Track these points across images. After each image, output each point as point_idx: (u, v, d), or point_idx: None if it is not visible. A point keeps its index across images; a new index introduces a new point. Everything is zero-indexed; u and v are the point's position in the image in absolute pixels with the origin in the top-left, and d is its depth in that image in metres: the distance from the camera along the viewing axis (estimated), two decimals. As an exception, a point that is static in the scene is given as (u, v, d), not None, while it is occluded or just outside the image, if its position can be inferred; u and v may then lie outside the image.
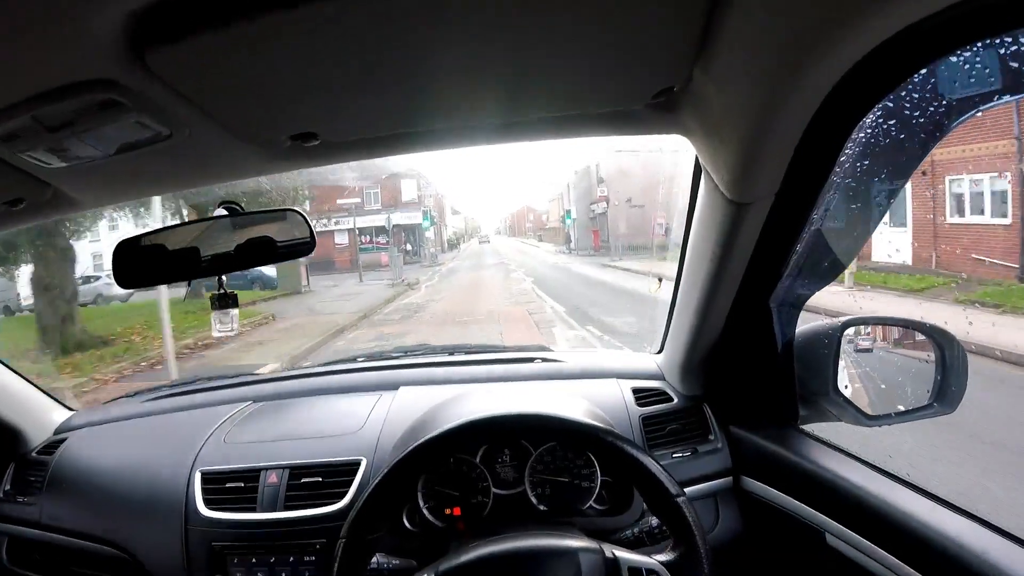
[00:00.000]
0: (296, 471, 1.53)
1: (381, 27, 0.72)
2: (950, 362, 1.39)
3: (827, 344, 1.42)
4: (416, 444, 1.15)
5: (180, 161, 1.15)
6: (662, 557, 1.05)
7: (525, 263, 32.23)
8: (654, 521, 1.27)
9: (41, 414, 1.94)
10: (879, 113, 0.93)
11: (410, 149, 1.26)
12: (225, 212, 1.37)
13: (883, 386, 1.55)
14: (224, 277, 1.43)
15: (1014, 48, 0.81)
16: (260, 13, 0.66)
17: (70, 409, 2.03)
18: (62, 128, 0.88)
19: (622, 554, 1.03)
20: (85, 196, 1.28)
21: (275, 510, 1.48)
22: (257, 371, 2.27)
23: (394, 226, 32.55)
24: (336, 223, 30.25)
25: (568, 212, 40.97)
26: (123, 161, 1.05)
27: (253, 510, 1.49)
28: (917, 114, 0.95)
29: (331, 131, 1.09)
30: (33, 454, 1.84)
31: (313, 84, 0.87)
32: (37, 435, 1.88)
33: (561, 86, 0.96)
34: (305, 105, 0.96)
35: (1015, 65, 0.82)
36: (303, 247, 1.41)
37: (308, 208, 26.74)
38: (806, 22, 0.70)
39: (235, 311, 1.49)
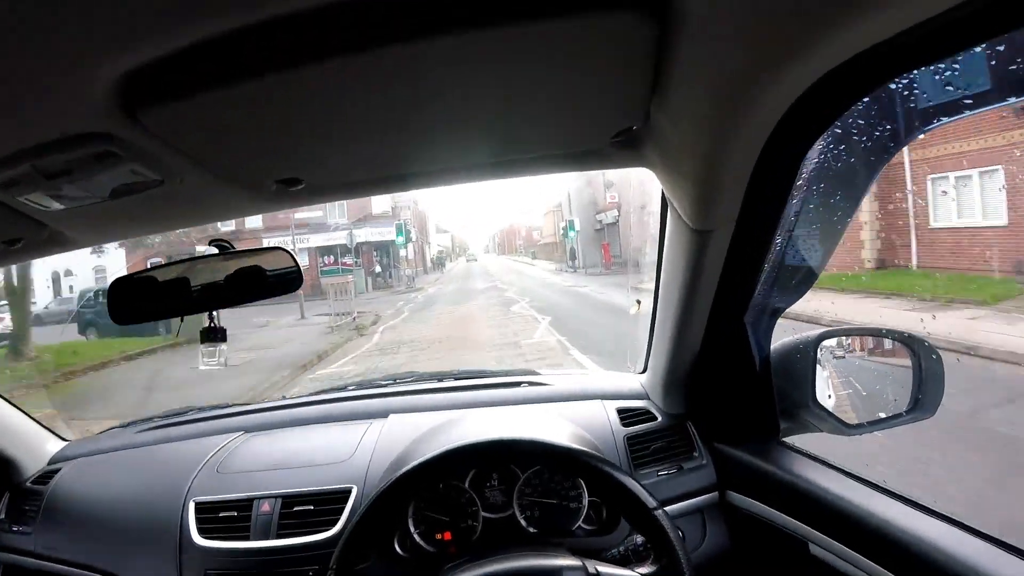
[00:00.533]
0: (288, 500, 1.55)
1: (361, 86, 0.76)
2: (926, 369, 1.41)
3: (804, 357, 1.45)
4: (401, 472, 1.17)
5: (171, 204, 1.19)
6: (644, 570, 1.07)
7: (526, 287, 24.42)
8: (640, 540, 1.30)
9: (35, 444, 1.96)
10: (828, 139, 0.97)
11: (390, 190, 1.31)
12: (216, 250, 1.41)
13: (862, 395, 1.58)
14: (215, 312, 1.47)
15: (948, 73, 0.85)
16: (248, 76, 0.71)
17: (64, 440, 2.04)
18: (59, 175, 0.92)
19: (604, 569, 1.05)
20: (80, 235, 1.32)
21: (268, 538, 1.50)
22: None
23: (361, 243, 28.41)
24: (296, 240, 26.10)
25: (570, 224, 34.33)
26: (117, 204, 1.09)
27: (247, 538, 1.51)
28: (865, 138, 1.00)
29: (314, 176, 1.13)
30: (27, 484, 1.86)
31: (297, 137, 0.92)
32: (31, 465, 1.90)
33: (529, 132, 1.00)
34: (289, 155, 1.00)
35: (950, 89, 0.87)
36: (292, 282, 1.46)
37: (260, 223, 24.63)
38: (748, 61, 0.74)
39: (224, 345, 1.50)
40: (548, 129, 1.00)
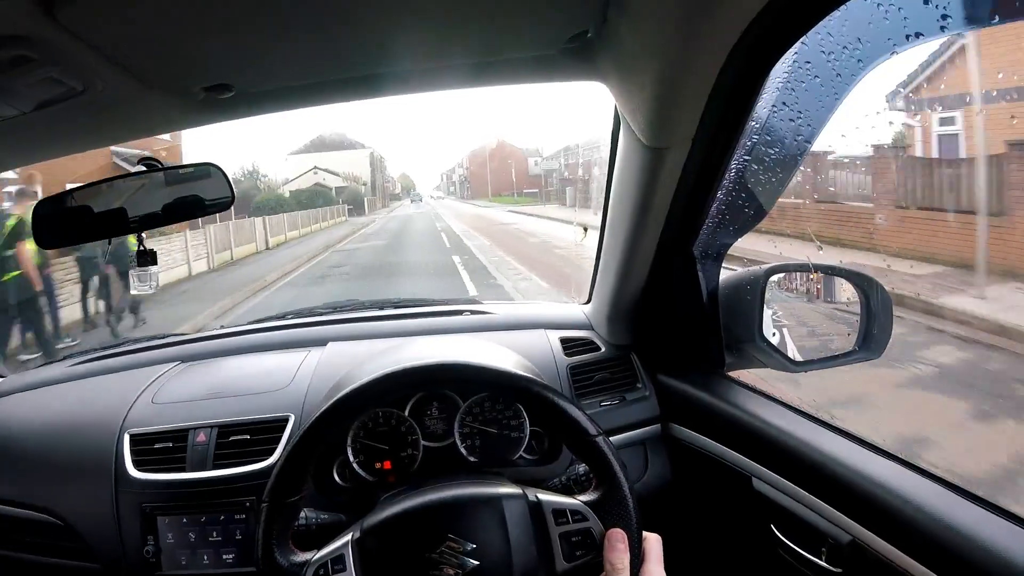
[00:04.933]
0: (224, 429, 1.52)
1: None
2: (874, 308, 1.40)
3: (752, 291, 1.43)
4: (337, 397, 1.12)
5: (96, 117, 1.14)
6: (585, 497, 1.05)
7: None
8: (581, 468, 1.29)
9: None
10: (794, 56, 0.93)
11: (330, 99, 1.25)
12: (144, 168, 1.34)
13: (809, 332, 1.58)
14: (144, 233, 1.42)
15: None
16: None
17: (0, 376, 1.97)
18: None
19: (546, 497, 1.03)
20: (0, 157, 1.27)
21: (204, 469, 1.47)
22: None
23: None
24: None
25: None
26: (37, 120, 1.03)
27: (182, 470, 1.48)
28: (832, 56, 0.95)
29: (246, 81, 1.07)
30: None
31: (223, 31, 0.86)
32: None
33: (477, 30, 0.95)
34: (217, 53, 0.94)
35: (929, 5, 0.82)
36: (222, 202, 1.41)
37: None
38: None
39: (155, 268, 1.47)
40: (498, 29, 0.94)
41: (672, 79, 0.94)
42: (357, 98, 1.25)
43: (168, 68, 0.96)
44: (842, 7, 0.80)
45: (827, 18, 0.82)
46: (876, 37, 0.90)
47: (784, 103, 1.07)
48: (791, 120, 1.10)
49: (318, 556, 0.98)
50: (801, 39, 0.86)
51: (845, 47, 0.93)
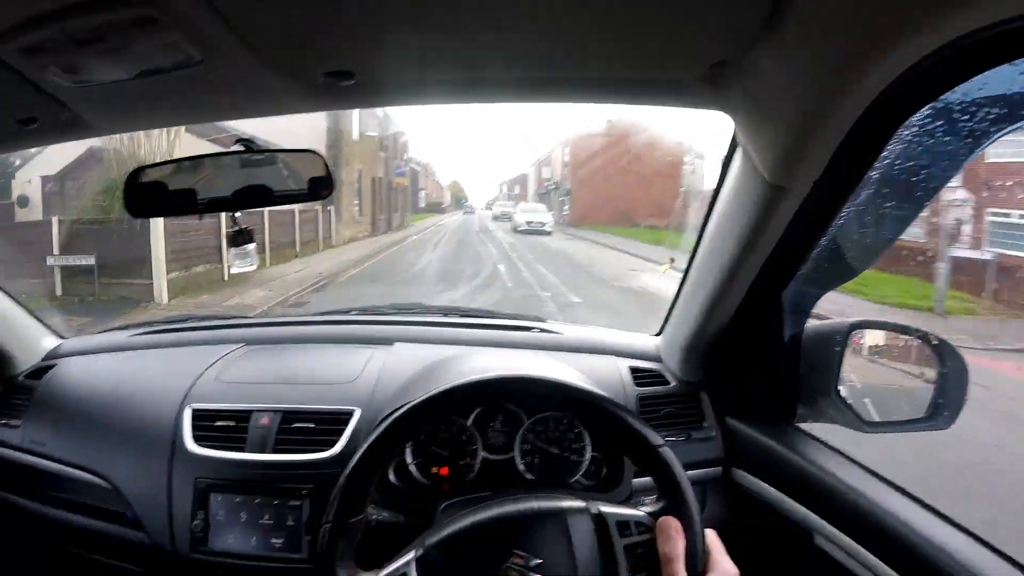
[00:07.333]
0: (289, 415, 1.53)
1: None
2: (951, 376, 1.38)
3: (833, 345, 1.41)
4: (420, 399, 1.13)
5: (206, 91, 1.13)
6: (649, 508, 1.04)
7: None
8: (646, 500, 1.28)
9: (31, 339, 1.94)
10: (927, 112, 0.92)
11: (450, 99, 1.24)
12: (242, 148, 1.36)
13: (884, 393, 1.55)
14: (238, 213, 1.46)
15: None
16: None
17: (61, 337, 2.03)
18: (90, 43, 0.85)
19: (608, 509, 1.02)
20: (102, 121, 1.26)
21: (264, 451, 1.48)
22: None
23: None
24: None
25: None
26: (146, 86, 1.03)
27: (242, 450, 1.49)
28: (965, 118, 0.94)
29: (368, 71, 1.06)
30: (20, 378, 1.84)
31: (354, 16, 0.85)
32: (26, 359, 1.88)
33: (615, 45, 0.94)
34: (344, 39, 0.94)
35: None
36: (321, 189, 1.42)
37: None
38: (880, 13, 0.70)
39: (252, 245, 1.50)
40: (637, 45, 0.93)
41: (808, 121, 0.93)
42: (476, 101, 1.24)
43: (293, 49, 0.96)
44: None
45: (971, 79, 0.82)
46: (1016, 103, 0.90)
47: (909, 157, 1.05)
48: (913, 177, 1.09)
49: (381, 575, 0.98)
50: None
51: (983, 107, 0.92)
